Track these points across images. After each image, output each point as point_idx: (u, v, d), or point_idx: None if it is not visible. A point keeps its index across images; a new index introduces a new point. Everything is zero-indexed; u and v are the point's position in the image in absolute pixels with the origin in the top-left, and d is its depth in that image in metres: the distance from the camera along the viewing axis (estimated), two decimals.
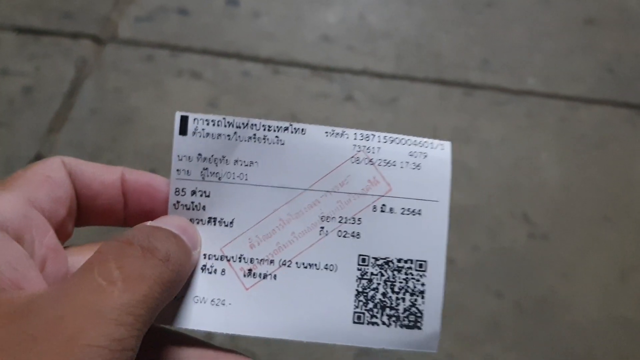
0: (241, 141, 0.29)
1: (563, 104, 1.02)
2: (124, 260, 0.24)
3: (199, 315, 0.28)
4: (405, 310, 0.29)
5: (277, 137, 0.30)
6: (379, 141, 0.30)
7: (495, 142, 0.96)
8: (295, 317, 0.29)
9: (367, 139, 0.30)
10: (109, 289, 0.22)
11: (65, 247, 0.29)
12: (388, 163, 0.30)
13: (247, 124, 0.30)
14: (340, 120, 0.96)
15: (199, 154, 0.29)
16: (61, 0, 1.08)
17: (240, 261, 0.29)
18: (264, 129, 0.30)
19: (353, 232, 0.29)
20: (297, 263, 0.29)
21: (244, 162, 0.29)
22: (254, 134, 0.29)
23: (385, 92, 1.01)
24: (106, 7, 1.08)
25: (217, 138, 0.29)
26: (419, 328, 0.29)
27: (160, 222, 0.27)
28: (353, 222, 0.29)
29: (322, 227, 0.29)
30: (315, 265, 0.29)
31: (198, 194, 0.29)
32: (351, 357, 0.77)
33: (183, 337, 0.28)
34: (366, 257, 0.29)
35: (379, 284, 0.29)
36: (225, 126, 0.29)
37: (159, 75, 1.00)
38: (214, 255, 0.29)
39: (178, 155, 0.29)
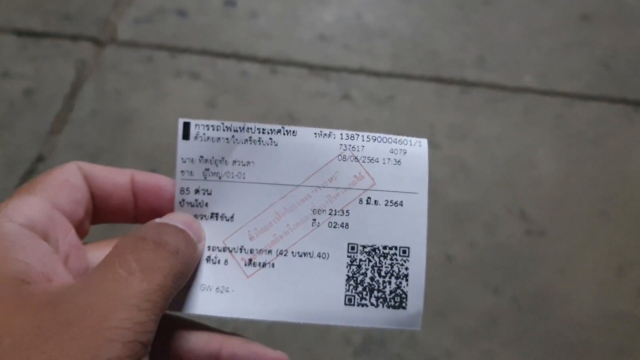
0: (238, 143, 0.32)
1: (559, 100, 1.02)
2: (139, 254, 0.27)
3: (205, 301, 0.31)
4: (391, 292, 0.31)
5: (270, 138, 0.32)
6: (363, 140, 0.32)
7: (491, 139, 0.97)
8: (292, 301, 0.31)
9: (352, 138, 0.32)
10: (129, 279, 0.25)
11: (84, 244, 0.32)
12: (371, 160, 0.32)
13: (243, 128, 0.32)
14: (337, 119, 0.97)
15: (201, 156, 0.32)
16: (61, 3, 1.09)
17: (241, 252, 0.32)
18: (259, 132, 0.32)
19: (342, 223, 0.32)
20: (292, 252, 0.32)
21: (242, 162, 0.32)
22: (250, 137, 0.32)
23: (382, 91, 1.01)
24: (105, 9, 1.09)
25: (217, 141, 0.32)
26: (404, 308, 0.31)
27: (168, 219, 0.30)
28: (342, 214, 0.32)
29: (314, 219, 0.32)
30: (309, 253, 0.32)
31: (201, 192, 0.32)
32: (350, 354, 0.77)
33: (192, 323, 0.31)
34: (355, 245, 0.32)
35: (367, 269, 0.31)
36: (223, 130, 0.32)
37: (158, 76, 1.01)
38: (217, 247, 0.32)
39: (182, 158, 0.32)
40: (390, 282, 0.31)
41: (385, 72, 1.04)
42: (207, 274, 0.31)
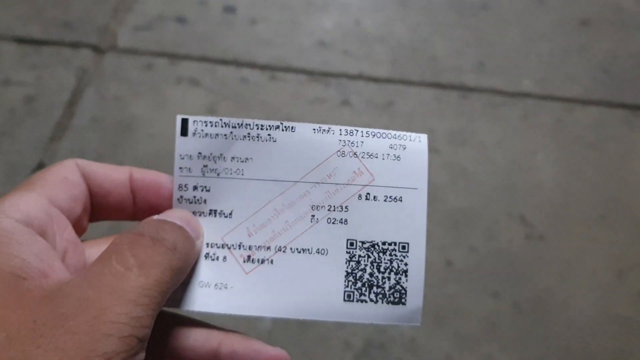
0: (237, 140, 0.32)
1: (559, 105, 1.02)
2: (137, 250, 0.27)
3: (204, 298, 0.31)
4: (390, 288, 0.31)
5: (269, 135, 0.32)
6: (362, 136, 0.32)
7: (491, 144, 0.97)
8: (291, 297, 0.31)
9: (351, 134, 0.32)
10: (126, 274, 0.25)
11: (82, 241, 0.32)
12: (371, 155, 0.32)
13: (241, 124, 0.32)
14: (336, 125, 0.97)
15: (199, 153, 0.32)
16: (61, 11, 1.10)
17: (239, 248, 0.32)
18: (257, 128, 0.32)
19: (341, 219, 0.32)
20: (291, 248, 0.32)
21: (240, 158, 0.32)
22: (248, 133, 0.32)
23: (381, 96, 1.02)
24: (105, 17, 1.09)
25: (215, 137, 0.32)
26: (404, 304, 0.31)
27: (166, 216, 0.30)
28: (341, 210, 0.32)
29: (313, 215, 0.32)
30: (308, 250, 0.32)
31: (199, 189, 0.32)
32: (351, 359, 0.77)
33: (190, 320, 0.31)
34: (354, 241, 0.32)
35: (366, 265, 0.31)
36: (222, 126, 0.32)
37: (158, 83, 1.01)
38: (216, 244, 0.32)
39: (180, 155, 0.32)
40: (389, 278, 0.31)
41: (384, 77, 1.04)
42: (205, 271, 0.31)
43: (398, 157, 0.32)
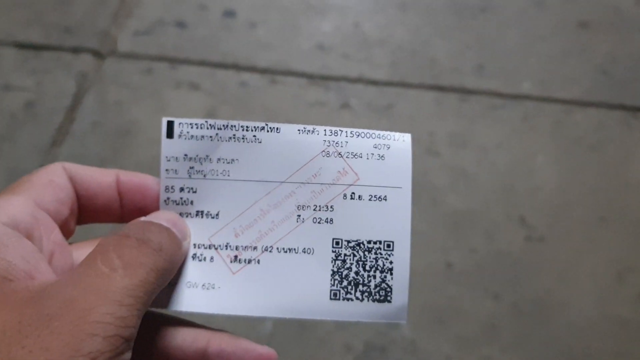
0: (222, 141, 0.32)
1: (558, 107, 1.02)
2: (122, 251, 0.27)
3: (191, 298, 0.31)
4: (376, 286, 0.32)
5: (254, 136, 0.32)
6: (347, 136, 0.33)
7: (491, 147, 0.97)
8: (278, 296, 0.31)
9: (335, 134, 0.32)
10: (111, 275, 0.26)
11: (69, 243, 0.32)
12: (355, 155, 0.32)
13: (227, 126, 0.32)
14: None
15: (185, 155, 0.32)
16: (61, 16, 1.10)
17: (226, 249, 0.32)
18: (243, 129, 0.32)
19: (327, 219, 0.32)
20: (277, 248, 0.32)
21: (226, 160, 0.32)
22: (234, 134, 0.32)
23: (381, 99, 1.02)
24: (105, 22, 1.09)
25: (201, 139, 0.32)
26: (389, 301, 0.32)
27: (152, 217, 0.30)
28: (326, 209, 0.32)
29: (299, 215, 0.32)
30: (294, 249, 0.32)
31: (186, 190, 0.32)
32: None
33: (178, 320, 0.31)
34: (339, 240, 0.32)
35: (352, 263, 0.32)
36: (207, 128, 0.32)
37: (158, 87, 1.02)
38: (203, 245, 0.32)
39: (166, 157, 0.32)
40: (375, 276, 0.32)
41: (384, 80, 1.04)
42: (193, 272, 0.31)
43: (382, 156, 0.32)
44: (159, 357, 0.30)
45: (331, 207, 0.32)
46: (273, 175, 0.32)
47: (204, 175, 0.32)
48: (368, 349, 0.78)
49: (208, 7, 1.13)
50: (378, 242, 0.32)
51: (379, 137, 0.33)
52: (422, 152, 0.95)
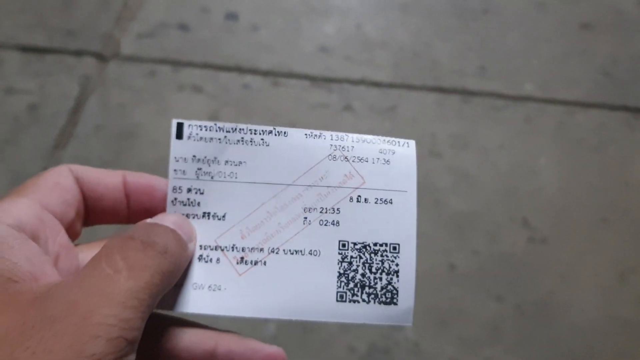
0: (230, 144, 0.33)
1: (560, 108, 1.03)
2: (127, 253, 0.27)
3: (198, 300, 0.31)
4: (382, 288, 0.32)
5: (262, 139, 0.33)
6: (352, 141, 0.33)
7: (493, 148, 0.97)
8: (285, 298, 0.31)
9: (341, 139, 0.33)
10: (115, 277, 0.26)
11: (75, 245, 0.32)
12: (361, 159, 0.33)
13: (235, 129, 0.33)
14: (339, 130, 0.97)
15: (194, 156, 0.32)
16: (64, 19, 1.10)
17: (233, 250, 0.32)
18: (251, 133, 0.33)
19: (333, 221, 0.32)
20: (284, 250, 0.32)
21: (234, 162, 0.32)
22: (242, 137, 0.33)
23: (384, 101, 1.02)
24: (108, 25, 1.10)
25: (209, 141, 0.32)
26: (395, 304, 0.32)
27: (158, 219, 0.30)
28: (333, 212, 0.32)
29: (306, 217, 0.32)
30: (301, 251, 0.32)
31: (193, 191, 0.32)
32: None
33: (185, 321, 0.31)
34: (346, 243, 0.32)
35: (358, 265, 0.32)
36: (216, 131, 0.33)
37: (161, 90, 1.02)
38: (209, 246, 0.32)
39: (175, 157, 0.32)
40: (381, 279, 0.32)
41: (386, 82, 1.05)
42: (199, 273, 0.31)
43: (387, 161, 0.33)
44: (165, 359, 0.30)
45: (337, 209, 0.32)
46: (280, 178, 0.32)
47: (212, 177, 0.32)
48: (372, 350, 0.78)
49: (210, 9, 1.13)
50: (384, 245, 0.32)
51: (384, 143, 0.33)
52: (424, 154, 0.95)
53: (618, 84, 1.06)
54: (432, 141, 0.97)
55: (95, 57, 1.06)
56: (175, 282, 0.29)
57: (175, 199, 0.32)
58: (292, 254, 0.32)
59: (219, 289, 0.31)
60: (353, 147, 0.33)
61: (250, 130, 0.33)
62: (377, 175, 0.33)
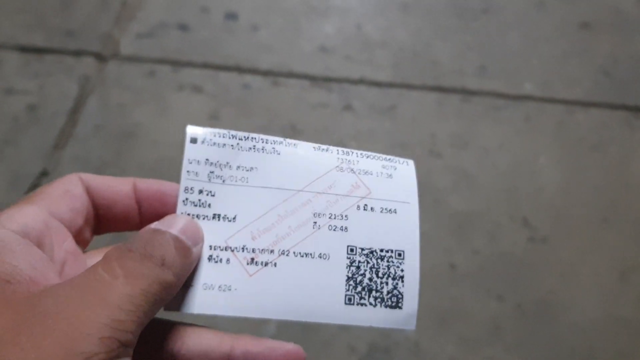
0: (243, 151, 0.34)
1: (560, 107, 1.03)
2: (125, 262, 0.27)
3: (208, 300, 0.31)
4: (388, 292, 0.33)
5: (273, 148, 0.34)
6: (357, 156, 0.35)
7: (493, 147, 0.97)
8: (294, 300, 0.32)
9: (347, 154, 0.35)
10: (112, 282, 0.26)
11: (85, 252, 0.33)
12: (366, 172, 0.35)
13: (247, 137, 0.34)
14: (339, 130, 0.98)
15: (207, 159, 0.33)
16: (63, 19, 1.10)
17: (243, 251, 0.32)
18: (262, 142, 0.34)
19: (342, 227, 0.33)
20: (294, 252, 0.33)
21: (245, 167, 0.33)
22: (254, 145, 0.34)
23: (384, 101, 1.02)
24: (108, 25, 1.10)
25: (222, 147, 0.33)
26: (400, 308, 0.33)
27: (163, 224, 0.30)
28: (341, 218, 0.33)
29: (315, 222, 0.33)
30: (311, 254, 0.33)
31: (204, 193, 0.33)
32: None
33: (200, 327, 0.31)
34: (354, 248, 0.33)
35: (365, 270, 0.33)
36: (229, 138, 0.34)
37: (160, 90, 1.02)
38: (219, 247, 0.32)
39: (188, 159, 0.33)
40: (387, 283, 0.33)
41: (386, 82, 1.05)
42: (209, 273, 0.32)
43: (390, 175, 0.35)
44: None
45: (346, 216, 0.33)
46: (290, 184, 0.33)
47: (223, 181, 0.33)
48: (372, 350, 0.78)
49: (210, 9, 1.13)
50: (390, 251, 0.33)
51: (386, 160, 0.35)
52: (424, 154, 0.95)
53: (618, 83, 1.06)
54: (432, 141, 0.97)
55: (94, 57, 1.06)
56: (176, 290, 0.29)
57: (187, 199, 0.33)
58: (303, 256, 0.32)
59: (229, 290, 0.31)
60: (358, 161, 0.35)
61: (262, 139, 0.34)
62: (382, 187, 0.34)
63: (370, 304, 0.32)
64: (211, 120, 0.98)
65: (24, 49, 1.06)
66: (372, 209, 0.34)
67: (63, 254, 0.30)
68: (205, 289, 0.31)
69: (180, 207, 0.32)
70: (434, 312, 0.81)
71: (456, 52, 1.09)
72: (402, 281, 0.33)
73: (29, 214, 0.29)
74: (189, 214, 0.32)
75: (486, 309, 0.82)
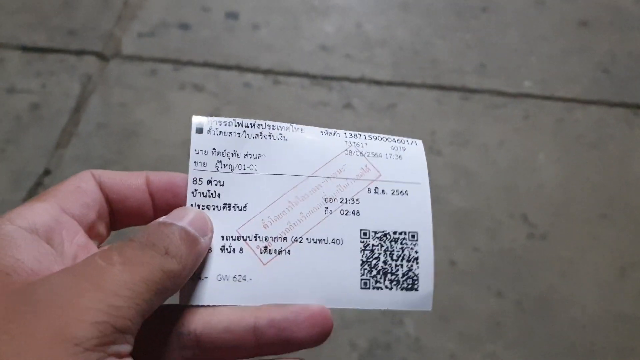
0: (249, 138, 0.33)
1: (559, 105, 1.03)
2: (124, 250, 0.27)
3: (224, 292, 0.31)
4: (403, 274, 0.33)
5: (280, 134, 0.34)
6: (365, 138, 0.35)
7: (493, 145, 0.98)
8: (310, 286, 0.32)
9: (355, 137, 0.35)
10: (108, 269, 0.26)
11: (100, 247, 0.33)
12: (375, 155, 0.34)
13: (254, 124, 0.34)
14: (339, 128, 0.97)
15: (214, 149, 0.33)
16: (65, 18, 1.11)
17: (256, 240, 0.32)
18: (269, 128, 0.34)
19: (354, 211, 0.33)
20: (307, 239, 0.32)
21: (253, 155, 0.33)
22: (261, 132, 0.34)
23: (383, 99, 1.02)
24: (109, 24, 1.10)
25: (229, 135, 0.33)
26: (416, 289, 0.33)
27: (171, 217, 0.30)
28: (352, 202, 0.33)
29: (327, 207, 0.33)
30: (324, 240, 0.32)
31: (213, 183, 0.33)
32: (356, 359, 0.78)
33: (218, 306, 0.31)
34: (367, 231, 0.33)
35: (380, 253, 0.33)
36: (235, 126, 0.33)
37: (162, 88, 1.02)
38: (231, 237, 0.32)
39: (195, 150, 0.33)
40: (402, 265, 0.33)
41: (386, 80, 1.05)
42: (223, 264, 0.31)
43: (400, 156, 0.34)
44: (207, 346, 0.30)
45: (357, 200, 0.33)
46: (299, 170, 0.33)
47: (232, 170, 0.33)
48: (373, 346, 0.79)
49: (211, 8, 1.14)
50: (403, 233, 0.33)
51: (394, 141, 0.35)
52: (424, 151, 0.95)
53: (617, 81, 1.06)
54: (432, 138, 0.97)
55: (96, 57, 1.06)
56: (185, 280, 0.29)
57: (196, 190, 0.32)
58: (316, 242, 0.32)
59: (244, 279, 0.31)
60: (366, 143, 0.34)
61: (268, 125, 0.34)
62: (392, 169, 0.34)
63: (386, 287, 0.32)
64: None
65: (26, 49, 1.07)
66: (383, 191, 0.33)
67: (74, 249, 0.30)
68: (220, 280, 0.31)
69: (189, 199, 0.32)
70: (434, 309, 0.81)
71: (456, 50, 1.10)
72: (417, 263, 0.33)
73: (38, 211, 0.29)
74: (198, 205, 0.32)
75: (486, 306, 0.82)
